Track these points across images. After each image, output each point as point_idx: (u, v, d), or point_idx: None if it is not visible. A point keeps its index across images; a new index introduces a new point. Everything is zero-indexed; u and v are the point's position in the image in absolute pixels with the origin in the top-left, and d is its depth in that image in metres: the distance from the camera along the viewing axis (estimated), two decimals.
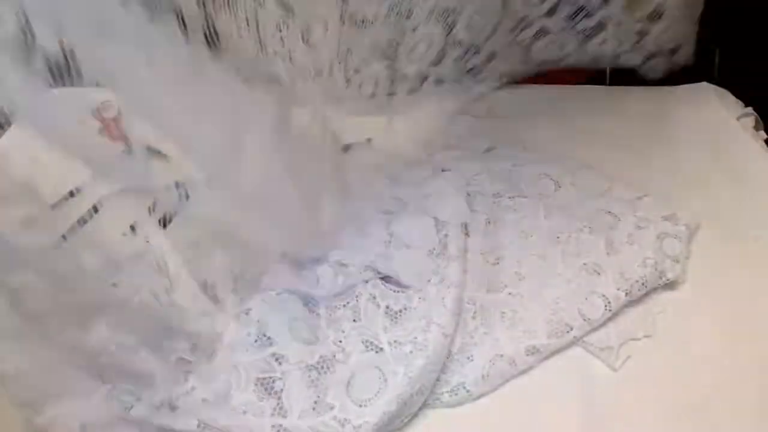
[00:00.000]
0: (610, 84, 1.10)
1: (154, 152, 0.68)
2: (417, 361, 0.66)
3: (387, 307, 0.72)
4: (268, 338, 0.70)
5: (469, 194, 0.85)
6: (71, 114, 0.66)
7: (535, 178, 0.89)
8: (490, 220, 0.83)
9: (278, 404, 0.65)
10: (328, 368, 0.68)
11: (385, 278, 0.76)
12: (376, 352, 0.69)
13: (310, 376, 0.67)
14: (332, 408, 0.65)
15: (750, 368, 0.68)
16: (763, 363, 0.69)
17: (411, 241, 0.79)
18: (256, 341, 0.70)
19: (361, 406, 0.65)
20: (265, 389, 0.67)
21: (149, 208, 0.69)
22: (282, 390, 0.66)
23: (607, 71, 1.09)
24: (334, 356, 0.69)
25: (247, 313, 0.72)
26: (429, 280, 0.75)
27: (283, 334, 0.70)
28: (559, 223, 0.82)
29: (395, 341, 0.69)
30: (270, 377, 0.67)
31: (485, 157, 0.93)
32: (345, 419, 0.64)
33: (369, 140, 0.92)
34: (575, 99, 1.04)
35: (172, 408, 0.65)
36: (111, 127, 0.96)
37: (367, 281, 0.75)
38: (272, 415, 0.65)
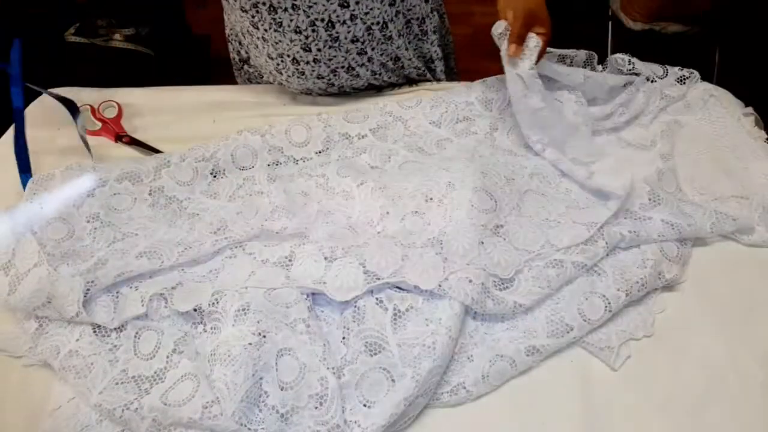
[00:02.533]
0: None
1: None
2: (424, 363, 0.66)
3: (395, 308, 0.71)
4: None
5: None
6: None
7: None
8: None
9: None
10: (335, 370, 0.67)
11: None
12: (384, 354, 0.68)
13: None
14: (343, 410, 0.64)
15: (750, 368, 0.69)
16: (763, 363, 0.69)
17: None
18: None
19: (369, 407, 0.65)
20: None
21: None
22: None
23: None
24: (341, 358, 0.69)
25: (245, 312, 0.69)
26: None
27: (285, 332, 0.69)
28: None
29: (403, 343, 0.69)
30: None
31: None
32: (353, 421, 0.64)
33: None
34: None
35: None
36: (109, 125, 0.96)
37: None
38: None
